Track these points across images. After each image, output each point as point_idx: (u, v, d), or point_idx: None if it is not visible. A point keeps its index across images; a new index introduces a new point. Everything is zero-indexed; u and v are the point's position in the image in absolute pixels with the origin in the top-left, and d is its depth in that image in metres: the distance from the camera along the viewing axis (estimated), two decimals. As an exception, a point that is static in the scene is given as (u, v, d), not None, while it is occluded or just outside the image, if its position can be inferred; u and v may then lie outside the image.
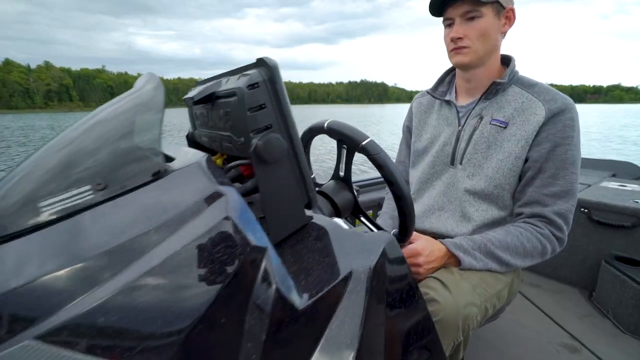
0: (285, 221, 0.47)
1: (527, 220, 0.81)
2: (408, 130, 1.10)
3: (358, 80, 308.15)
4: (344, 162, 0.65)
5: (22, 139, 20.02)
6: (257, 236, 0.37)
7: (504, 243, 0.79)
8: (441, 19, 0.86)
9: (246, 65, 0.48)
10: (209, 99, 0.49)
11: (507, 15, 0.82)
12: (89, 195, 0.35)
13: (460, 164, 0.89)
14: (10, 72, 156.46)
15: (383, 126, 24.01)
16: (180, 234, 0.34)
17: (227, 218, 0.37)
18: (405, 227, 0.64)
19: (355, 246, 0.45)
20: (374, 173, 1.73)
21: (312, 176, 0.76)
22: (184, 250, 0.33)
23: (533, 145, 0.80)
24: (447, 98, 0.95)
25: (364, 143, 0.57)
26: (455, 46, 0.83)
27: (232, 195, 0.39)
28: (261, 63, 0.43)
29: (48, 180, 0.35)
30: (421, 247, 0.77)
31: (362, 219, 0.71)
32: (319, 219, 0.51)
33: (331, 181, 0.69)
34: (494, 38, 0.82)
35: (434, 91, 1.00)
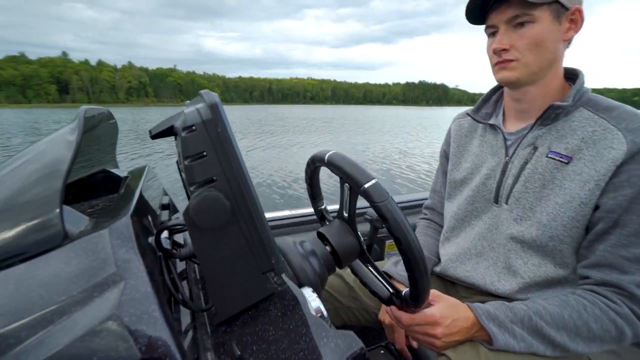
0: (235, 295, 0.39)
1: (596, 289, 0.63)
2: (445, 156, 0.94)
3: (416, 81, 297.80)
4: (347, 201, 0.56)
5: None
6: (158, 340, 0.29)
7: (558, 318, 0.61)
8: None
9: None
10: (170, 133, 0.42)
11: (571, 18, 0.65)
12: None
13: (506, 203, 0.73)
14: (101, 72, 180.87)
15: (440, 133, 21.76)
16: (53, 334, 0.28)
17: (112, 317, 0.29)
18: (417, 295, 0.53)
19: (318, 338, 0.36)
20: (409, 195, 1.60)
21: (323, 206, 0.72)
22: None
23: (607, 189, 0.62)
24: (491, 122, 0.80)
25: (366, 186, 0.47)
26: (499, 59, 0.69)
27: (134, 280, 0.32)
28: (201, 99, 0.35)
29: None
30: (440, 314, 0.63)
31: (370, 268, 0.63)
32: (289, 288, 0.41)
33: (335, 221, 0.60)
34: (553, 48, 0.66)
35: (476, 113, 0.84)
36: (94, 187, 0.61)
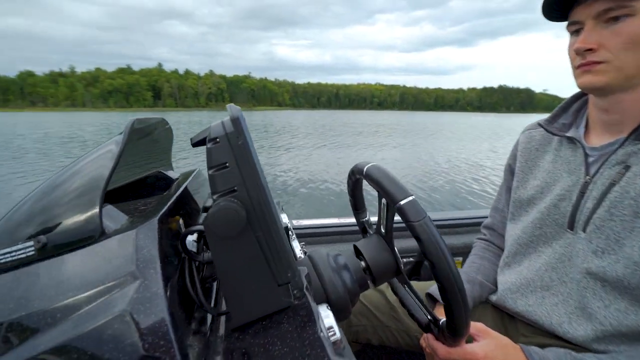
0: (250, 304, 0.40)
1: None
2: (510, 171, 0.84)
3: (495, 85, 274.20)
4: (384, 216, 0.54)
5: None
6: (161, 340, 0.31)
7: None
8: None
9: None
10: (204, 142, 0.45)
11: None
12: (30, 251, 0.38)
13: (584, 230, 0.62)
14: (187, 79, 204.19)
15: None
16: (70, 324, 0.32)
17: (123, 313, 0.32)
18: (454, 327, 0.49)
19: None
20: (470, 211, 1.48)
21: (366, 218, 0.71)
22: (63, 348, 0.31)
23: None
24: (570, 134, 0.69)
25: (402, 203, 0.45)
26: (583, 61, 0.59)
27: (149, 280, 0.35)
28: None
29: (5, 232, 0.39)
30: (484, 353, 0.57)
31: (407, 289, 0.59)
32: (307, 303, 0.41)
33: (373, 235, 0.58)
34: None
35: (550, 123, 0.73)
36: (149, 187, 0.66)
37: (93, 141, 17.84)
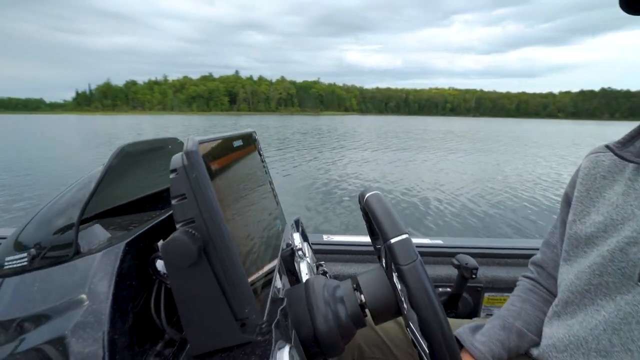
0: (206, 335, 0.39)
1: None
2: (567, 201, 0.71)
3: (595, 88, 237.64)
4: (383, 251, 0.51)
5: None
6: None
7: None
8: None
9: (237, 135, 0.50)
10: None
11: None
12: (23, 262, 0.41)
13: None
14: (260, 85, 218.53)
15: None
16: (17, 341, 0.35)
17: (60, 338, 0.34)
18: None
19: None
20: (521, 240, 1.36)
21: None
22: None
23: None
24: None
25: (392, 241, 0.42)
26: None
27: (97, 304, 0.36)
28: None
29: (13, 242, 0.43)
30: None
31: (409, 332, 0.50)
32: (267, 342, 0.40)
33: (377, 268, 0.55)
34: None
35: (623, 147, 0.61)
36: (164, 201, 0.66)
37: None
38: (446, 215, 6.04)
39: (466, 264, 0.95)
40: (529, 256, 1.14)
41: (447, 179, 9.39)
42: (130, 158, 0.48)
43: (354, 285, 0.53)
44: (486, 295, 1.21)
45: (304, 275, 0.66)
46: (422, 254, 1.14)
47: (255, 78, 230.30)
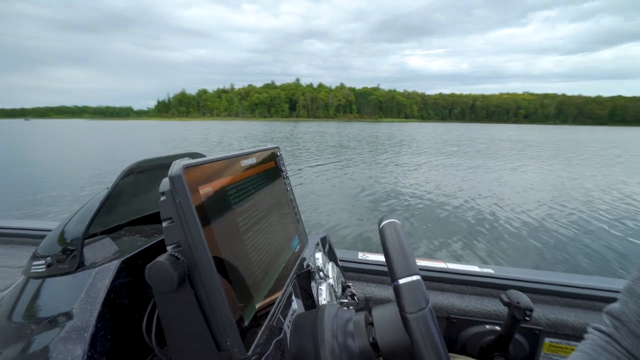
0: (190, 357, 0.39)
1: None
2: None
3: None
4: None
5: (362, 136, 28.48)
6: None
7: None
8: None
9: (259, 150, 0.51)
10: None
11: None
12: (41, 268, 0.44)
13: None
14: (319, 92, 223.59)
15: None
16: (11, 348, 0.38)
17: (42, 351, 0.35)
18: None
19: None
20: (592, 279, 1.06)
21: None
22: None
23: None
24: None
25: (401, 282, 0.38)
26: None
27: (81, 322, 0.37)
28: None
29: (43, 246, 0.47)
30: None
31: None
32: None
33: (393, 303, 0.47)
34: None
35: None
36: None
37: (234, 146, 21.37)
38: (503, 237, 5.31)
39: (518, 302, 0.77)
40: (605, 299, 0.95)
41: (510, 194, 8.39)
42: (147, 174, 0.49)
43: (368, 320, 0.48)
44: (547, 340, 0.99)
45: (322, 300, 0.64)
46: (467, 283, 1.08)
47: (315, 85, 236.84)
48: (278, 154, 0.70)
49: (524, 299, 0.78)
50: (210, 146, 21.99)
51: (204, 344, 0.38)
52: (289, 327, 0.50)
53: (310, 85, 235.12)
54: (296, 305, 0.59)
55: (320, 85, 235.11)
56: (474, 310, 1.02)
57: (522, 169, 13.09)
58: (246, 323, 0.39)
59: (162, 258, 0.36)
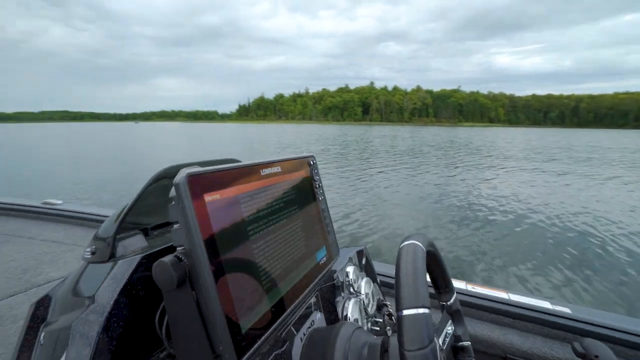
0: (190, 357, 0.41)
1: None
2: None
3: None
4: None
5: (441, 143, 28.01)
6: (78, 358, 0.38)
7: None
8: None
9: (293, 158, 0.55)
10: None
11: None
12: (88, 254, 0.51)
13: None
14: (394, 95, 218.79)
15: None
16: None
17: (68, 327, 0.41)
18: None
19: None
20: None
21: (449, 301, 0.59)
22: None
23: None
24: None
25: (405, 313, 0.35)
26: None
27: (95, 312, 0.41)
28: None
29: (94, 234, 0.54)
30: None
31: None
32: None
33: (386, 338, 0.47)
34: None
35: None
36: None
37: (302, 149, 22.22)
38: (592, 267, 4.49)
39: (596, 356, 0.62)
40: None
41: (611, 214, 7.12)
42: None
43: (385, 346, 0.45)
44: None
45: (348, 316, 0.63)
46: (533, 320, 0.93)
47: (389, 88, 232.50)
48: (312, 162, 0.70)
49: (604, 352, 0.63)
50: (281, 147, 23.18)
51: (201, 346, 0.39)
52: (302, 340, 0.51)
53: (385, 89, 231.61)
54: (317, 318, 0.58)
55: (395, 88, 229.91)
56: (538, 354, 0.89)
57: (636, 186, 10.96)
58: (243, 331, 0.40)
59: (166, 258, 0.38)
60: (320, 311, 0.61)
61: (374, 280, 0.83)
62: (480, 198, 8.31)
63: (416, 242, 0.42)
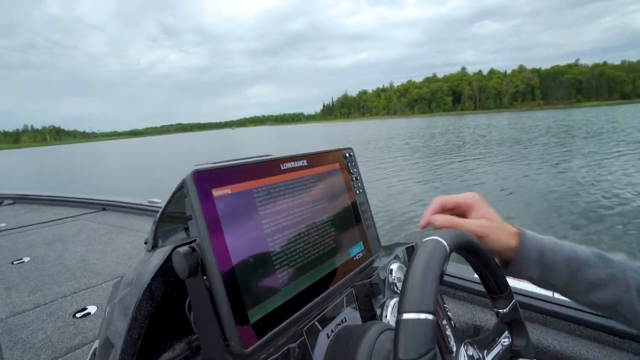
0: (210, 344, 0.43)
1: None
2: None
3: None
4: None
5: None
6: (112, 328, 0.45)
7: None
8: None
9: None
10: None
11: None
12: (144, 244, 0.62)
13: None
14: (490, 79, 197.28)
15: None
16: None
17: (112, 306, 0.49)
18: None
19: None
20: None
21: (503, 310, 0.51)
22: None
23: None
24: None
25: (404, 317, 0.32)
26: None
27: (135, 289, 0.48)
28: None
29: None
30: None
31: None
32: None
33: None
34: None
35: None
36: None
37: (400, 146, 21.91)
38: None
39: None
40: None
41: None
42: None
43: None
44: None
45: (388, 316, 0.61)
46: (626, 335, 0.81)
47: (484, 72, 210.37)
48: (348, 155, 0.69)
49: None
50: (359, 144, 23.28)
51: (215, 333, 0.42)
52: (328, 337, 0.52)
53: (479, 73, 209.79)
54: (351, 316, 0.58)
55: (492, 72, 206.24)
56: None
57: None
58: (252, 321, 0.41)
59: (182, 249, 0.41)
60: (356, 310, 0.61)
61: None
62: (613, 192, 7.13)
63: (438, 239, 0.38)
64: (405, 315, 0.31)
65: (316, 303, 0.50)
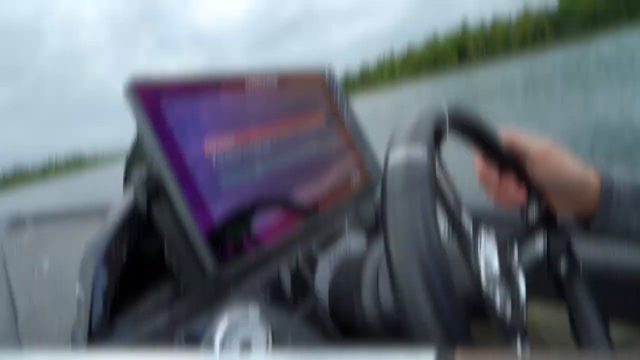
0: (183, 272, 0.41)
1: None
2: None
3: None
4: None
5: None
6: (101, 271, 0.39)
7: None
8: None
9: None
10: None
11: None
12: None
13: None
14: (495, 31, 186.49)
15: None
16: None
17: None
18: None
19: None
20: None
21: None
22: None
23: None
24: None
25: (392, 154, 0.27)
26: None
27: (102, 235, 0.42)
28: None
29: None
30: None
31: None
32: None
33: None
34: None
35: None
36: None
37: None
38: None
39: None
40: None
41: None
42: None
43: None
44: None
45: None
46: None
47: (487, 22, 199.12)
48: (328, 76, 0.64)
49: None
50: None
51: (189, 260, 0.38)
52: (330, 263, 0.48)
53: (482, 28, 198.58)
54: (354, 243, 0.55)
55: (495, 22, 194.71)
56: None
57: None
58: (226, 238, 0.39)
59: (137, 173, 0.39)
60: (363, 236, 0.57)
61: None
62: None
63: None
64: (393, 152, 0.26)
65: (307, 229, 0.48)
